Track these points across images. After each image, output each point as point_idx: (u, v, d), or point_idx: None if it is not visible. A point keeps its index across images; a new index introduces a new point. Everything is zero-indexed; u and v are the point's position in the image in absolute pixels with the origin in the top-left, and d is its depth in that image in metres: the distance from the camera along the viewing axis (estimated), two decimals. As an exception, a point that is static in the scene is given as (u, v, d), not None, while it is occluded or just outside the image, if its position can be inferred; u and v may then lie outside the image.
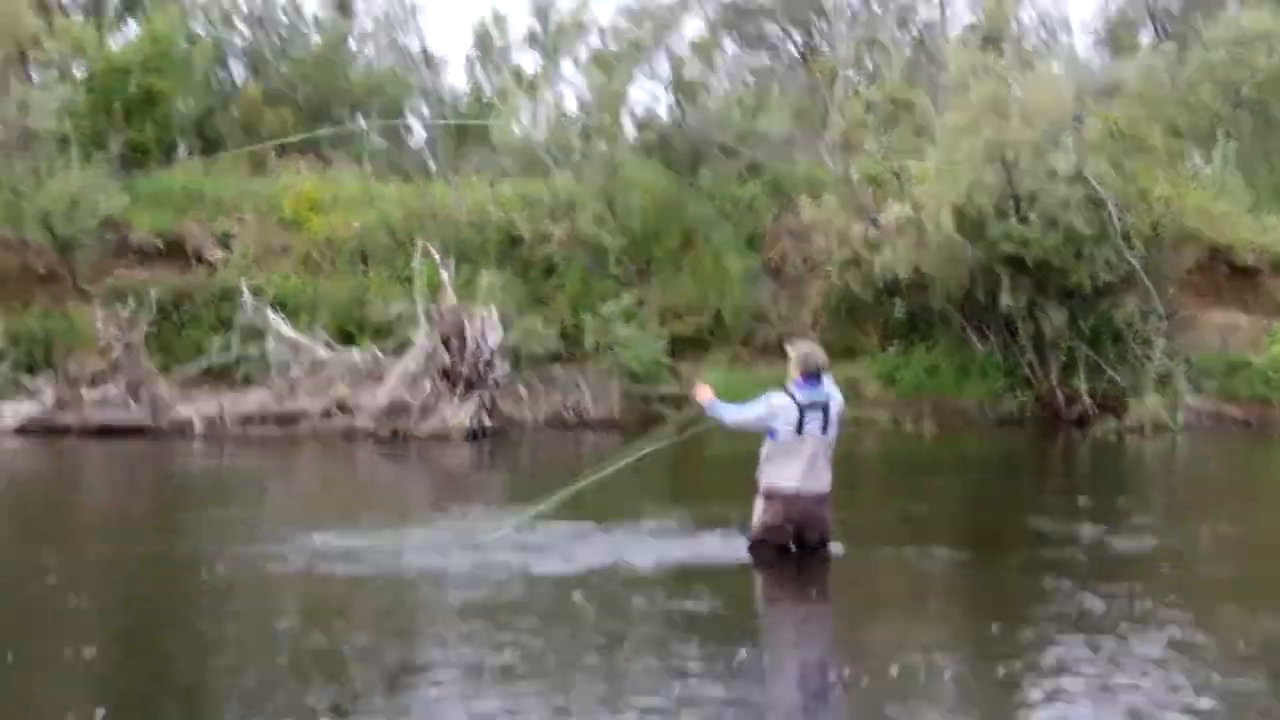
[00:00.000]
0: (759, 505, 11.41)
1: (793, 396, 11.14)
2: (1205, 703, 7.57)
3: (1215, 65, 32.47)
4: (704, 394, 11.77)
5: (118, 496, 18.02)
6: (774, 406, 11.19)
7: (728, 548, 11.93)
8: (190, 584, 10.99)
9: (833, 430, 11.25)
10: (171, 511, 15.45)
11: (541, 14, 36.40)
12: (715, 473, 17.28)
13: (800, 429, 11.08)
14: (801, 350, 11.41)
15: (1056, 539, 12.66)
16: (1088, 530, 13.06)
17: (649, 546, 12.16)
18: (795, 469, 11.14)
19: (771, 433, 11.20)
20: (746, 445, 11.72)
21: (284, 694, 7.86)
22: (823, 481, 11.26)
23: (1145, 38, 42.70)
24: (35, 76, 30.46)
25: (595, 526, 12.86)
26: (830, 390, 11.33)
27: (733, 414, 11.49)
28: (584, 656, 8.55)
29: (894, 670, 8.12)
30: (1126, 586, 10.58)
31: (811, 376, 11.19)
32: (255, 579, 11.18)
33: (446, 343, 23.53)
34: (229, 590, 10.77)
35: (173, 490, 18.30)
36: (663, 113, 31.30)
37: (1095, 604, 9.88)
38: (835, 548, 11.48)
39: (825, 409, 11.19)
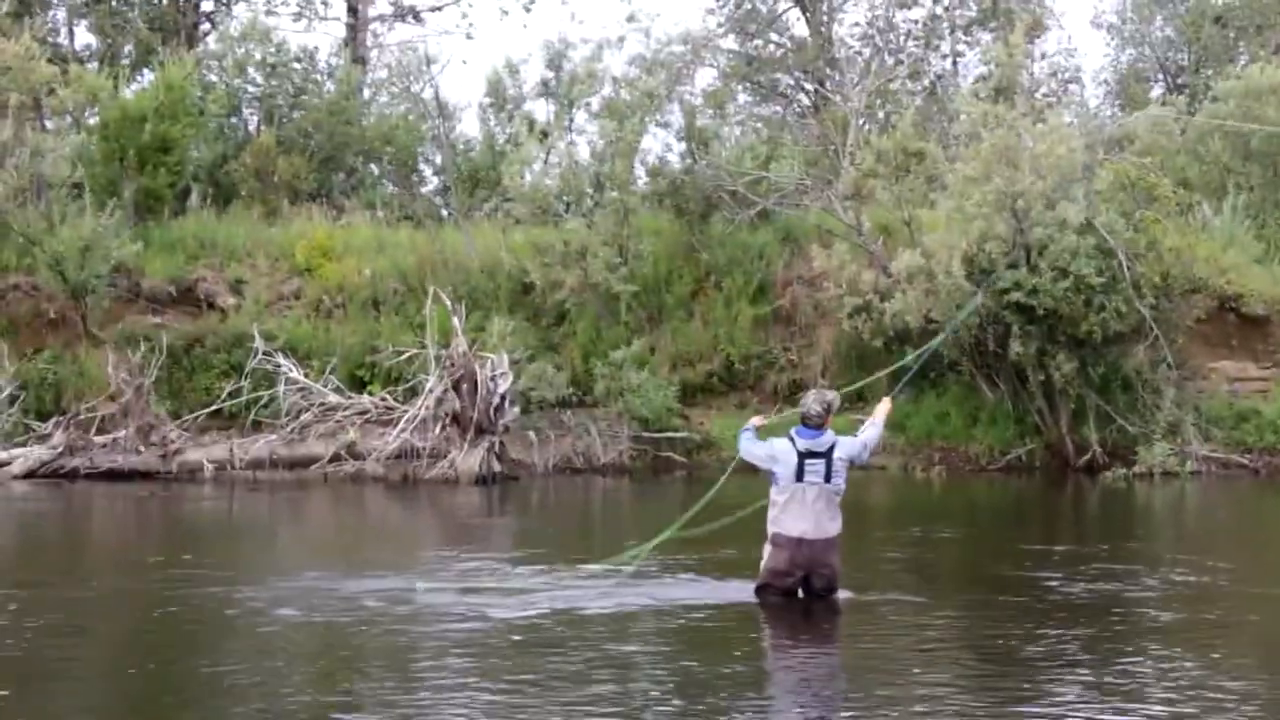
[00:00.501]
0: (766, 550, 11.39)
1: (793, 442, 11.15)
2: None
3: (1225, 118, 32.56)
4: (755, 420, 12.08)
5: (112, 540, 17.90)
6: (775, 451, 11.23)
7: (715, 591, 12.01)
8: (145, 625, 10.92)
9: (838, 478, 11.21)
10: (161, 554, 15.40)
11: (555, 63, 36.67)
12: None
13: (800, 475, 11.07)
14: (805, 399, 11.43)
15: (1042, 586, 12.55)
16: (1075, 577, 12.99)
17: (606, 591, 12.05)
18: (800, 515, 11.11)
19: (773, 477, 11.20)
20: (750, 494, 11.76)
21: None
22: (829, 528, 11.22)
23: (1156, 90, 42.87)
24: (49, 124, 30.73)
25: (581, 568, 12.85)
26: (835, 439, 11.28)
27: (746, 444, 11.59)
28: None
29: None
30: (1080, 631, 10.48)
31: (810, 424, 11.18)
32: (214, 621, 11.04)
33: (457, 388, 23.57)
34: (178, 634, 10.63)
35: (172, 533, 18.25)
36: (674, 161, 31.39)
37: (1033, 649, 9.88)
38: (843, 594, 11.44)
39: (828, 457, 11.16)
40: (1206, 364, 27.54)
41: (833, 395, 11.45)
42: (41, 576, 13.47)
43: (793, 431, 11.22)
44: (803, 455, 11.08)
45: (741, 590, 11.72)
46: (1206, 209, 30.28)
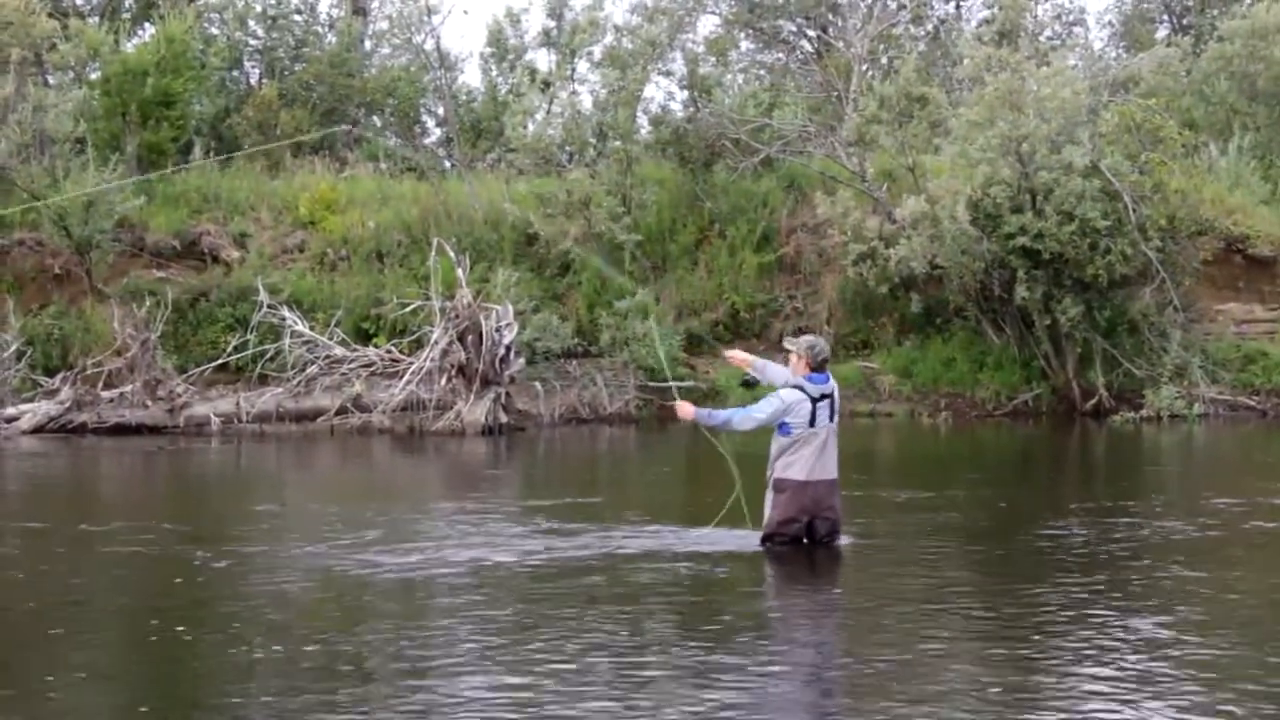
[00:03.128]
0: (769, 499, 11.36)
1: (804, 390, 11.12)
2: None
3: (1231, 58, 32.41)
4: (685, 411, 11.66)
5: (105, 493, 17.78)
6: (788, 403, 11.09)
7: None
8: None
9: (836, 416, 11.27)
10: (146, 507, 15.52)
11: (556, 12, 36.46)
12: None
13: (814, 421, 11.08)
14: (807, 343, 11.39)
15: (1049, 532, 12.55)
16: (1084, 524, 12.98)
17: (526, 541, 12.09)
18: (805, 459, 11.11)
19: (783, 428, 11.13)
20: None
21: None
22: (831, 468, 11.25)
23: (1161, 31, 42.60)
24: (51, 79, 30.65)
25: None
26: (833, 380, 11.35)
27: (743, 419, 11.35)
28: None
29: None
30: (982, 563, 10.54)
31: (820, 368, 11.19)
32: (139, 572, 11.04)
33: (462, 340, 23.57)
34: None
35: (167, 486, 18.26)
36: (677, 109, 31.30)
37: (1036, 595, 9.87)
38: (845, 539, 11.45)
39: (833, 398, 11.20)
40: (1213, 306, 27.52)
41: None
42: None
43: (801, 380, 11.16)
44: (815, 400, 11.08)
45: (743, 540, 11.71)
46: (1213, 150, 30.17)
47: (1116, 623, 8.76)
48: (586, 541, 11.85)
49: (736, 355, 12.44)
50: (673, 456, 21.04)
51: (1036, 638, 8.42)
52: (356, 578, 10.50)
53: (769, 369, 11.86)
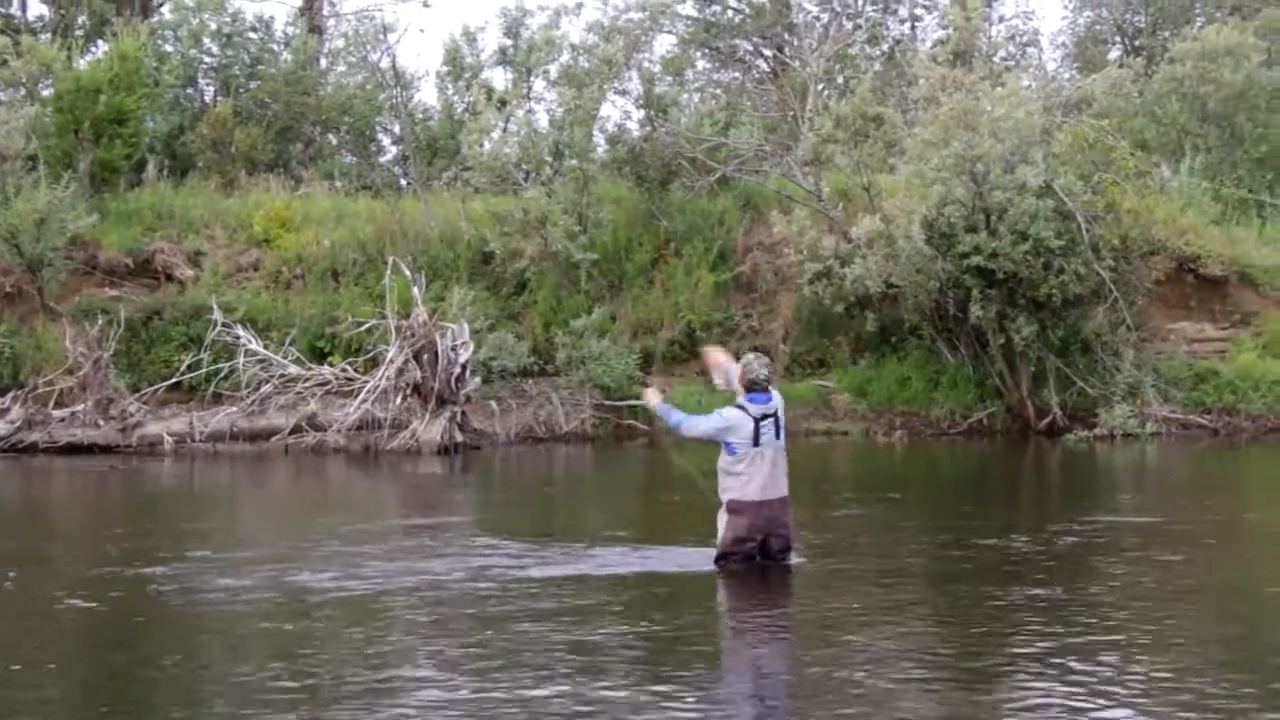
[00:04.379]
0: (723, 519, 11.40)
1: (745, 410, 11.18)
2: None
3: (1182, 79, 32.71)
4: (651, 398, 12.08)
5: (13, 515, 17.57)
6: (728, 420, 11.22)
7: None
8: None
9: (782, 435, 11.29)
10: (38, 528, 15.42)
11: (512, 31, 36.50)
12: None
13: (757, 440, 11.12)
14: (744, 361, 11.45)
15: (996, 548, 12.64)
16: (1030, 540, 13.10)
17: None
18: (757, 478, 11.17)
19: (728, 447, 11.20)
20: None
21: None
22: (782, 486, 11.33)
23: (1114, 52, 42.98)
24: (2, 96, 30.43)
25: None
26: (779, 399, 11.35)
27: (689, 426, 11.51)
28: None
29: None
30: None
31: (760, 389, 11.21)
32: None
33: (418, 359, 23.50)
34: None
35: (85, 507, 18.12)
36: (634, 128, 31.33)
37: (983, 612, 9.92)
38: (796, 557, 11.49)
39: (776, 417, 11.22)
40: (1165, 325, 27.70)
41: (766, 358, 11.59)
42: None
43: (742, 400, 11.24)
44: (757, 420, 11.12)
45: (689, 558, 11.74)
46: (1164, 170, 30.40)
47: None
48: (448, 565, 11.80)
49: (715, 355, 12.36)
50: (608, 476, 20.98)
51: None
52: (165, 599, 10.36)
53: (732, 376, 11.80)
